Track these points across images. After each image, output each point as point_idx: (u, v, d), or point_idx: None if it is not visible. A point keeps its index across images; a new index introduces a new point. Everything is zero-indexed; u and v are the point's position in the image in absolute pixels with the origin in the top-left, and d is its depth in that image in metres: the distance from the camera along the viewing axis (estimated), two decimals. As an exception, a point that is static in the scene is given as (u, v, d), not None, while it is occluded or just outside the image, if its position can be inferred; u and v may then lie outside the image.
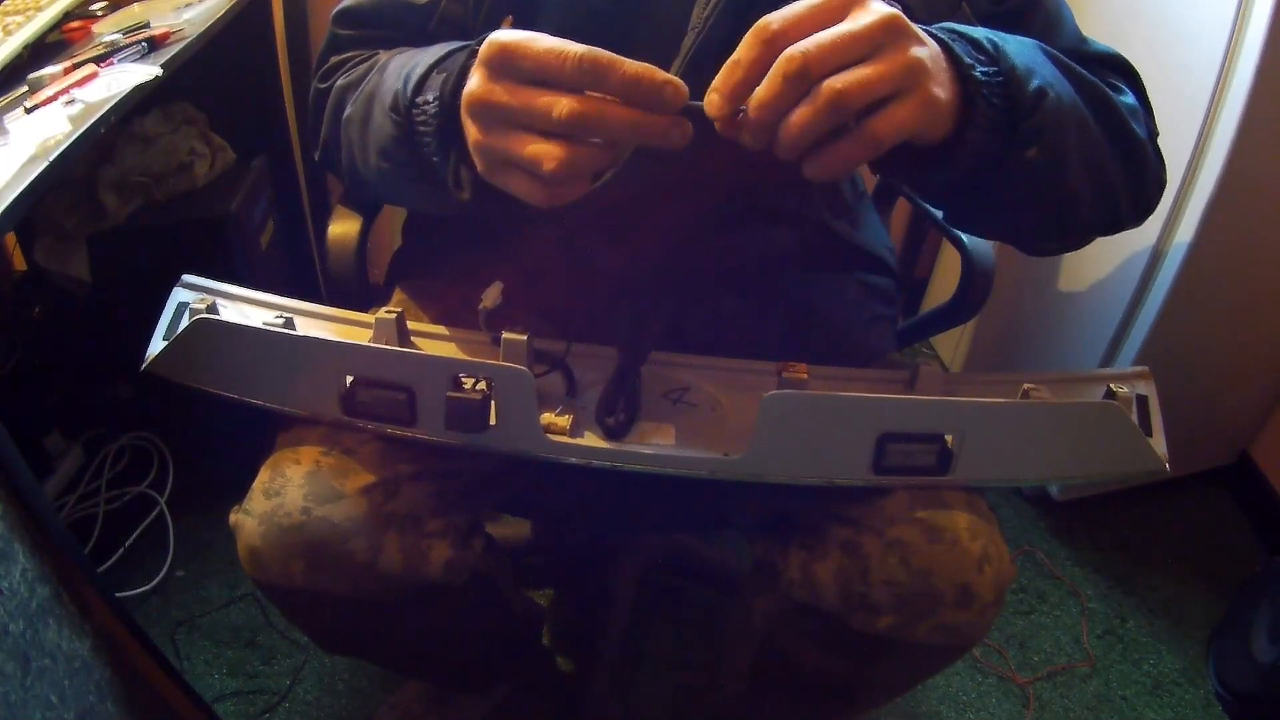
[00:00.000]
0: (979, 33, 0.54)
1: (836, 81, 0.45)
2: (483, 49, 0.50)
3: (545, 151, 0.48)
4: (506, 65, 0.49)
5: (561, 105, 0.47)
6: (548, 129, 0.48)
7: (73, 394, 1.37)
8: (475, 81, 0.50)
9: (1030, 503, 1.51)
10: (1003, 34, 0.56)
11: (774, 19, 0.46)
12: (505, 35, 0.49)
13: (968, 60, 0.51)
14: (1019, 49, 0.55)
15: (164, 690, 0.87)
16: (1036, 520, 1.49)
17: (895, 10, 0.47)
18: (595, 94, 0.47)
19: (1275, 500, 1.46)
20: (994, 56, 0.52)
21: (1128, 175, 0.64)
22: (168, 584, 1.28)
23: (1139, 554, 1.44)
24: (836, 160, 0.48)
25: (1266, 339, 1.35)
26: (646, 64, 0.46)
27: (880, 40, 0.46)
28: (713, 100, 0.47)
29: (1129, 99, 0.65)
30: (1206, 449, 1.51)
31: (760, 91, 0.46)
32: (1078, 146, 0.57)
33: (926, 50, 0.49)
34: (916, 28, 0.48)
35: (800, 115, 0.45)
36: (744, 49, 0.47)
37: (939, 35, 0.51)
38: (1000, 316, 1.55)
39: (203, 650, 1.20)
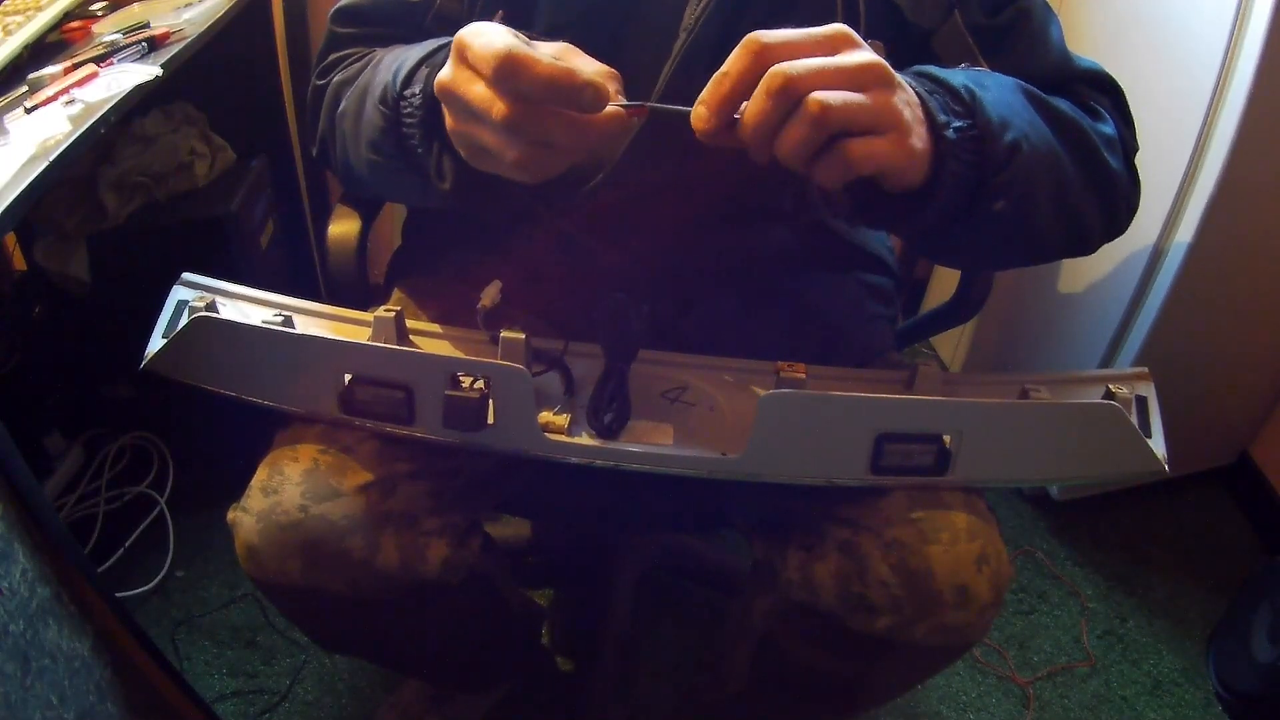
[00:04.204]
0: (958, 79, 0.54)
1: (820, 95, 0.45)
2: (455, 39, 0.50)
3: (504, 146, 0.49)
4: (464, 57, 0.49)
5: (495, 108, 0.47)
6: (493, 127, 0.48)
7: (73, 394, 1.36)
8: (445, 70, 0.51)
9: (1030, 503, 1.51)
10: (983, 78, 0.56)
11: (766, 35, 0.46)
12: (468, 28, 0.49)
13: (942, 118, 0.51)
14: (998, 97, 0.55)
15: (164, 690, 0.87)
16: (1036, 520, 1.49)
17: (883, 60, 0.48)
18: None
19: (1275, 500, 1.45)
20: (970, 108, 0.53)
21: (1100, 209, 0.65)
22: (168, 584, 1.28)
23: (1139, 554, 1.44)
24: (818, 179, 0.48)
25: (1266, 339, 1.35)
26: (563, 66, 0.46)
27: (865, 81, 0.47)
28: (699, 113, 0.48)
29: (1107, 128, 0.65)
30: (1206, 449, 1.51)
31: (749, 110, 0.46)
32: (1049, 192, 0.58)
33: (907, 99, 0.49)
34: (899, 78, 0.49)
35: (789, 133, 0.46)
36: (733, 61, 0.47)
37: (917, 88, 0.52)
38: (1000, 316, 1.55)
39: (203, 650, 1.20)
